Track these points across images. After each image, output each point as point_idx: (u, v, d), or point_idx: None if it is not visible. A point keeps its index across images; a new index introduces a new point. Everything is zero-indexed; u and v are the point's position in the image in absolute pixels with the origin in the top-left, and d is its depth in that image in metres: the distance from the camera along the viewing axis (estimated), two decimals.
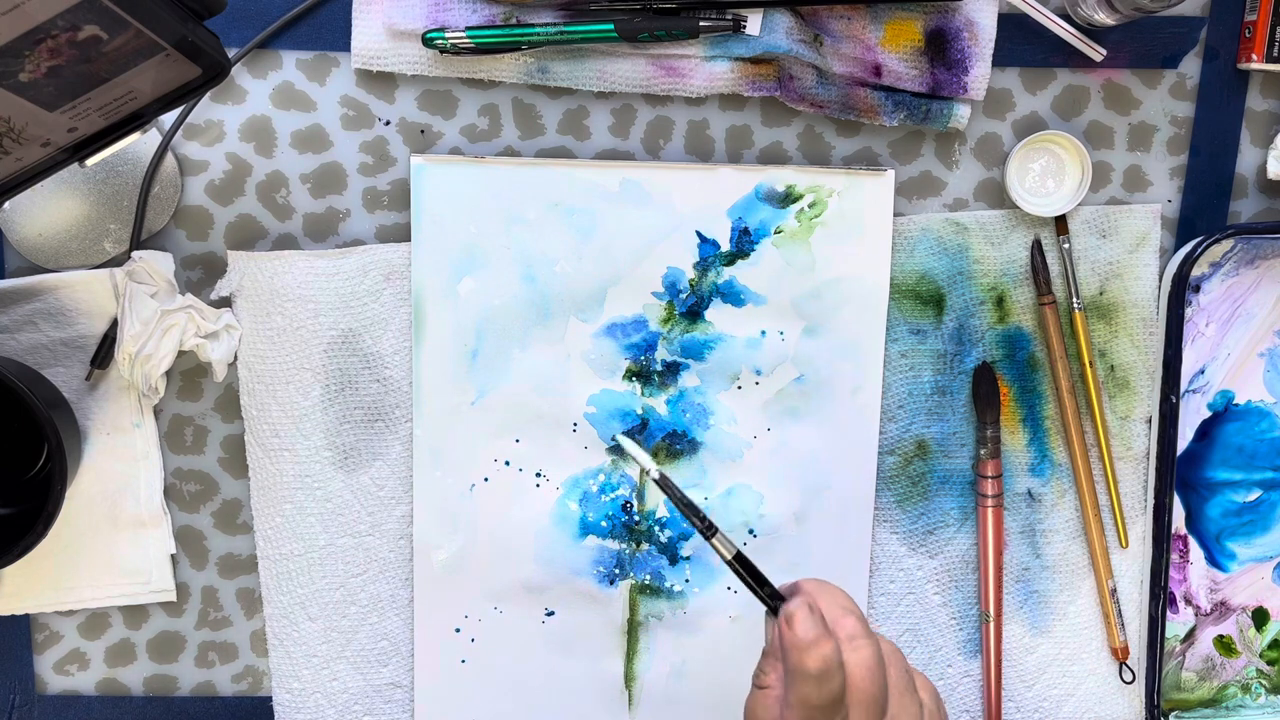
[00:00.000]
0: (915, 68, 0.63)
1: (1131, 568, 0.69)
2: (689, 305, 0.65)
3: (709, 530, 0.52)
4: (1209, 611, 0.70)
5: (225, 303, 0.65)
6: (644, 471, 0.52)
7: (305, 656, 0.67)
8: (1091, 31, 0.64)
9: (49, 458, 0.61)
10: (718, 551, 0.51)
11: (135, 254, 0.62)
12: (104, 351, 0.64)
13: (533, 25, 0.61)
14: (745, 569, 0.51)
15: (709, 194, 0.64)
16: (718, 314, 0.65)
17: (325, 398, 0.65)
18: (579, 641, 0.67)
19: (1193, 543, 0.69)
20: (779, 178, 0.64)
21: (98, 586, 0.66)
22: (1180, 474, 0.68)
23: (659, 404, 0.66)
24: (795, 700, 0.47)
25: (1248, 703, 0.70)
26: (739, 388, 0.66)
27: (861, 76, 0.63)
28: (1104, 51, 0.64)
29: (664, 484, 0.52)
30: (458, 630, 0.67)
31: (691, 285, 0.65)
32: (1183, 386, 0.67)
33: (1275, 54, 0.63)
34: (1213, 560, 0.69)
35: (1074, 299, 0.66)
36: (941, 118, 0.64)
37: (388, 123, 0.64)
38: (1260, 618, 0.70)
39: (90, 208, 0.63)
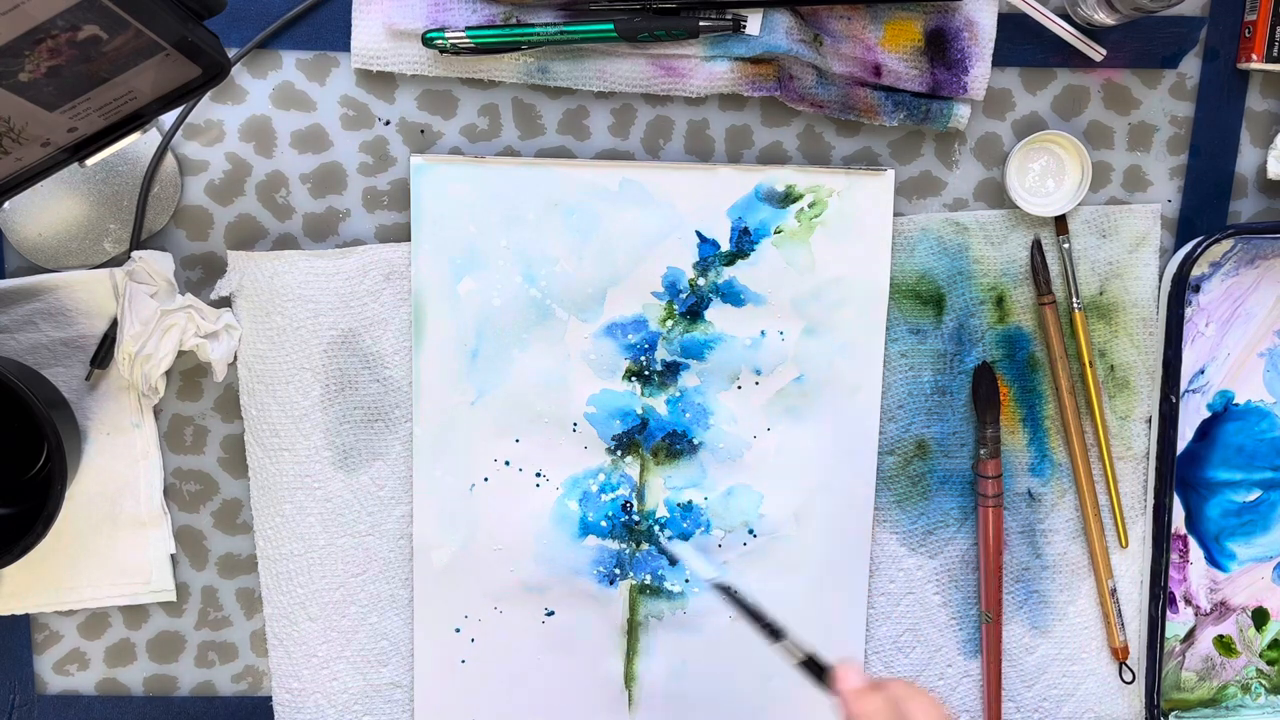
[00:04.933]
0: (915, 68, 0.63)
1: (1131, 568, 0.69)
2: (689, 305, 0.65)
3: (776, 635, 0.56)
4: (1209, 611, 0.70)
5: (225, 303, 0.65)
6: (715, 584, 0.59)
7: (305, 656, 0.67)
8: (1091, 31, 0.64)
9: (49, 458, 0.61)
10: (790, 653, 0.56)
11: (135, 254, 0.62)
12: (104, 351, 0.64)
13: (533, 25, 0.61)
14: (814, 670, 0.55)
15: (709, 194, 0.64)
16: (718, 314, 0.65)
17: (325, 398, 0.65)
18: (579, 641, 0.67)
19: (1192, 543, 0.69)
20: (779, 178, 0.64)
21: (98, 586, 0.66)
22: (1180, 474, 0.68)
23: (659, 404, 0.66)
24: None
25: (1248, 703, 0.70)
26: (739, 388, 0.66)
27: (861, 76, 0.63)
28: (1104, 51, 0.64)
29: (726, 591, 0.58)
30: (458, 630, 0.67)
31: (691, 285, 0.65)
32: (1183, 386, 0.67)
33: (1275, 54, 0.63)
34: (1213, 560, 0.69)
35: (1074, 299, 0.66)
36: (941, 118, 0.64)
37: (388, 123, 0.64)
38: (1260, 618, 0.70)
39: (90, 208, 0.63)
